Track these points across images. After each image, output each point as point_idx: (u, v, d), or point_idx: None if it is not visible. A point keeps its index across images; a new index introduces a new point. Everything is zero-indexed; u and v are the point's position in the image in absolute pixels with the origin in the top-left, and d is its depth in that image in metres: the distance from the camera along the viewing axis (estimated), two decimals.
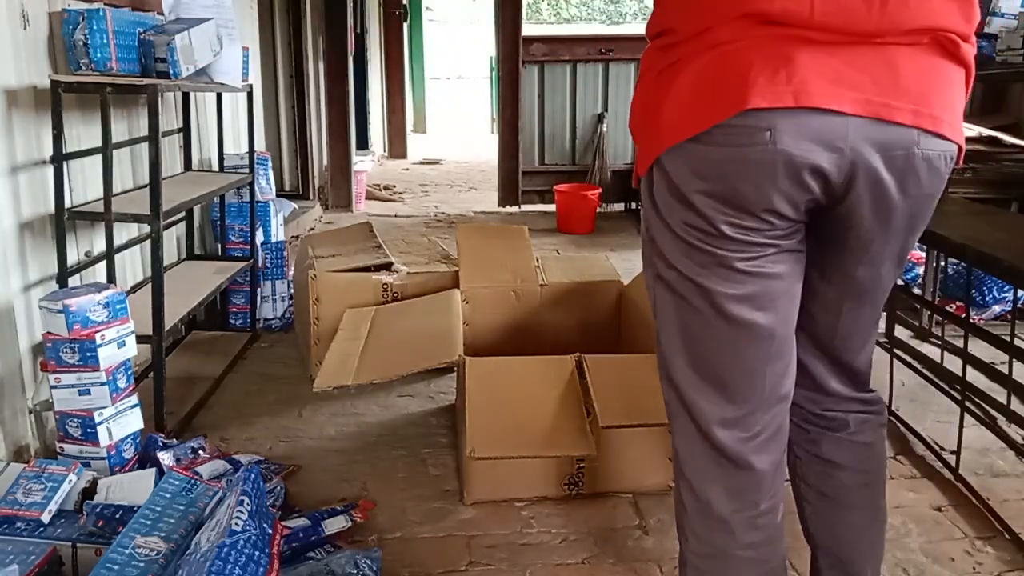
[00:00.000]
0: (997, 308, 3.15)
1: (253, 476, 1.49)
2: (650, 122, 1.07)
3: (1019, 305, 2.67)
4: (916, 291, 3.12)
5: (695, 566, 1.21)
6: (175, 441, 2.09)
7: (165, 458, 1.95)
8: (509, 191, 5.76)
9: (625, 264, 3.73)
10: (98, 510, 1.60)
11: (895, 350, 2.59)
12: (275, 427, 2.37)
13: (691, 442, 1.18)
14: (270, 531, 1.41)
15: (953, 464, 2.08)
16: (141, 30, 2.33)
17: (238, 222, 3.13)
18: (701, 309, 1.11)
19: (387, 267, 2.77)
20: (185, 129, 3.02)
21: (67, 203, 2.21)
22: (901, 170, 1.02)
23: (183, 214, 2.99)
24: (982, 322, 3.08)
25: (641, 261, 1.26)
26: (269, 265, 3.27)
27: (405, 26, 9.99)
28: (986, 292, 3.13)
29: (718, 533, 1.16)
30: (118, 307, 1.95)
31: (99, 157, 2.24)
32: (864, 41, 0.97)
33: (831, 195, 1.04)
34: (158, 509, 1.53)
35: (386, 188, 6.71)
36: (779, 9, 0.95)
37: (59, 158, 2.16)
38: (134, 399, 2.01)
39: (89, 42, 2.14)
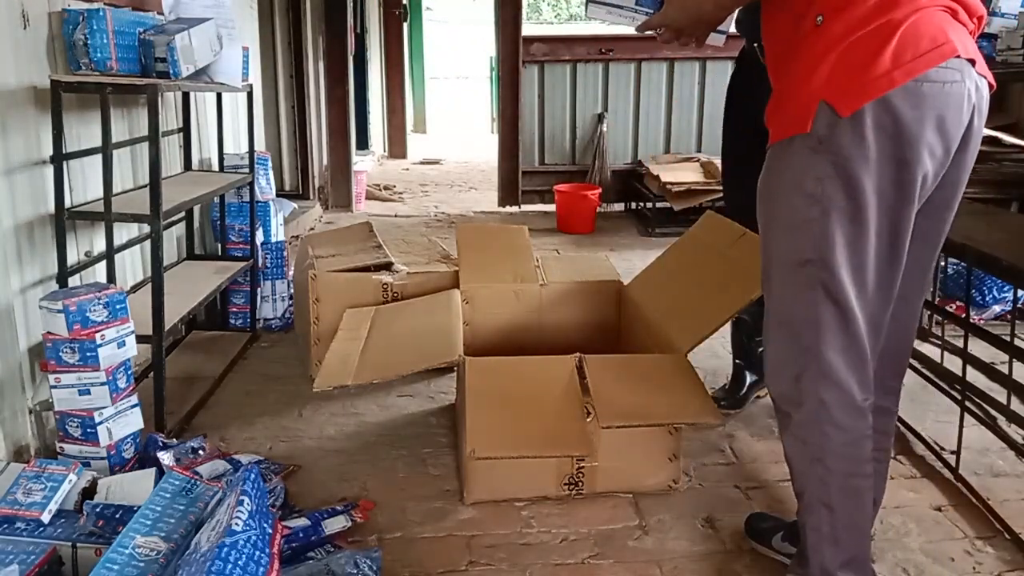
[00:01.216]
0: (997, 308, 3.15)
1: (253, 476, 1.49)
2: (862, 73, 1.26)
3: (1019, 305, 2.67)
4: None
5: (842, 455, 1.41)
6: (175, 441, 2.09)
7: (165, 458, 1.95)
8: (509, 191, 5.76)
9: (625, 264, 3.72)
10: (98, 510, 1.60)
11: None
12: (275, 427, 2.37)
13: (844, 351, 1.38)
14: (270, 531, 1.40)
15: (953, 464, 2.08)
16: (141, 30, 2.33)
17: (238, 222, 3.13)
18: (883, 241, 1.33)
19: (387, 267, 2.77)
20: (185, 129, 3.02)
21: (67, 203, 2.21)
22: (983, 110, 1.37)
23: (183, 214, 2.99)
24: (982, 322, 3.07)
25: (758, 220, 1.46)
26: (269, 265, 3.27)
27: (405, 26, 9.99)
28: (986, 292, 3.13)
29: (859, 419, 1.41)
30: (118, 307, 1.95)
31: (99, 157, 2.24)
32: (964, 23, 1.33)
33: (968, 130, 1.35)
34: (158, 509, 1.53)
35: (386, 188, 6.71)
36: None
37: (59, 158, 2.16)
38: (134, 399, 2.01)
39: (89, 42, 2.14)
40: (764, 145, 1.43)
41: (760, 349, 2.49)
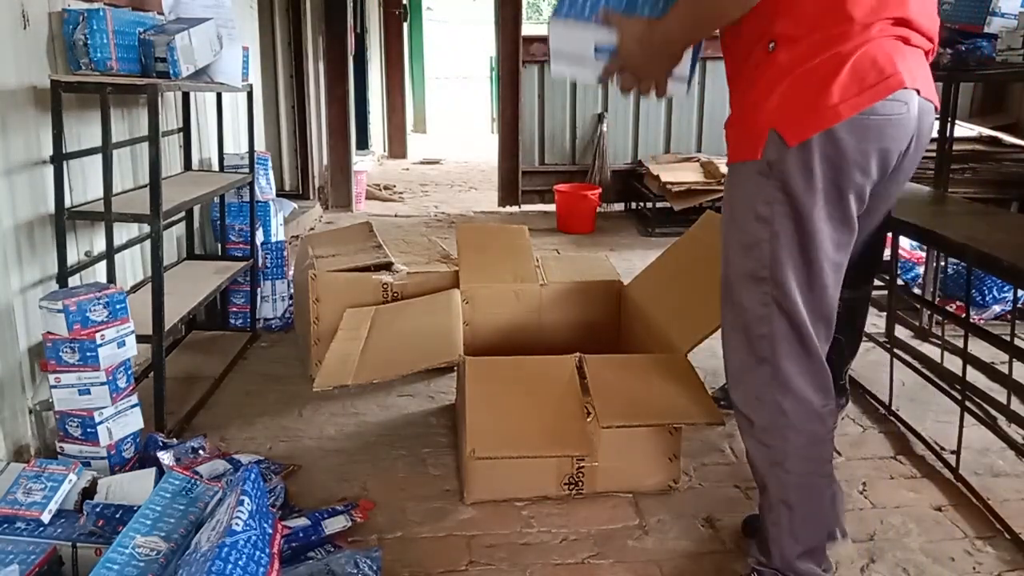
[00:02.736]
0: (997, 308, 3.15)
1: (253, 476, 1.49)
2: (810, 104, 1.29)
3: (1019, 305, 2.67)
4: (916, 291, 3.12)
5: (802, 457, 1.46)
6: (175, 441, 2.09)
7: (165, 458, 1.95)
8: (509, 191, 5.76)
9: (625, 264, 3.73)
10: (98, 510, 1.60)
11: (895, 350, 2.59)
12: (275, 427, 2.37)
13: (799, 361, 1.43)
14: (270, 531, 1.40)
15: (953, 464, 2.08)
16: (141, 30, 2.33)
17: (238, 222, 3.13)
18: (827, 261, 1.38)
19: (387, 267, 2.77)
20: (185, 129, 3.02)
21: (67, 203, 2.21)
22: (925, 134, 1.42)
23: (183, 214, 2.99)
24: (982, 322, 3.08)
25: (731, 241, 1.45)
26: (269, 265, 3.27)
27: (405, 26, 10.00)
28: (986, 292, 3.13)
29: (818, 424, 1.46)
30: (118, 307, 1.95)
31: (99, 157, 2.24)
32: (918, 46, 1.36)
33: (905, 152, 1.40)
34: (158, 509, 1.53)
35: (386, 188, 6.71)
36: (903, 16, 1.31)
37: (59, 158, 2.16)
38: (134, 399, 2.01)
39: (89, 42, 2.14)
40: None
41: None
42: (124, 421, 1.98)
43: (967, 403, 2.12)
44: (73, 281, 2.24)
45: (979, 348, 2.49)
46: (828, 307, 1.43)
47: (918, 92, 1.34)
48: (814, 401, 1.44)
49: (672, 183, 4.85)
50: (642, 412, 1.89)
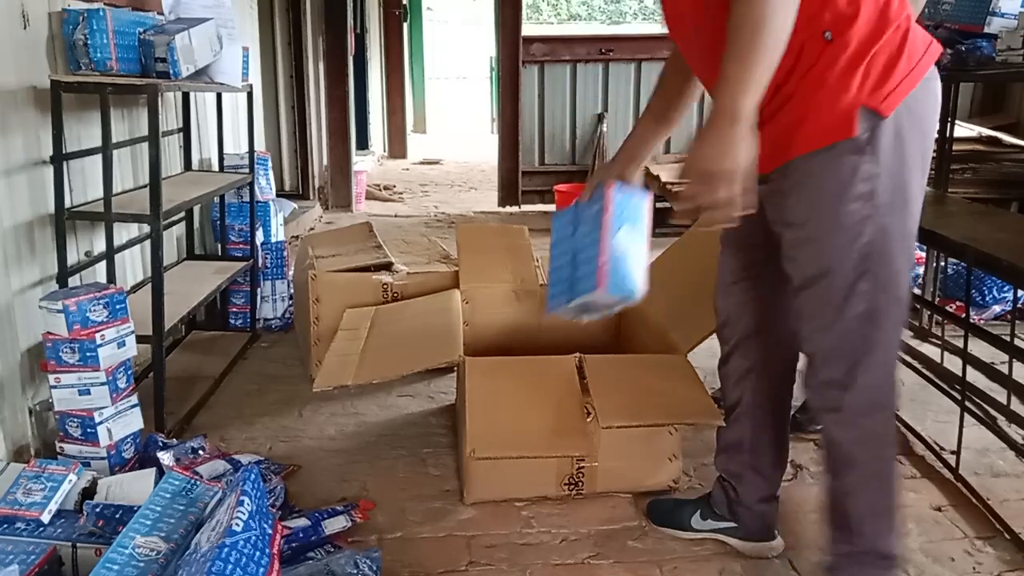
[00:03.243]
0: (997, 308, 3.15)
1: (253, 476, 1.49)
2: (894, 75, 1.32)
3: (1019, 305, 2.67)
4: (916, 291, 3.12)
5: (889, 433, 1.52)
6: (175, 441, 2.09)
7: (165, 458, 1.95)
8: (509, 191, 5.76)
9: None
10: (98, 510, 1.60)
11: None
12: (275, 427, 2.37)
13: (898, 332, 1.46)
14: (270, 531, 1.40)
15: (953, 464, 2.08)
16: (141, 30, 2.33)
17: (238, 222, 3.13)
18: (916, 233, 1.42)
19: (387, 267, 2.77)
20: (185, 129, 3.02)
21: (67, 203, 2.21)
22: None
23: (183, 214, 2.99)
24: (982, 322, 3.08)
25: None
26: (269, 265, 3.27)
27: (405, 26, 10.00)
28: (986, 292, 3.13)
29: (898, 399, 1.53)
30: (118, 307, 1.95)
31: (99, 157, 2.24)
32: None
33: None
34: (158, 509, 1.53)
35: (386, 188, 6.71)
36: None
37: (59, 158, 2.16)
38: (134, 399, 2.01)
39: (89, 42, 2.14)
40: None
41: None
42: (124, 421, 1.98)
43: (967, 403, 2.12)
44: (73, 281, 2.24)
45: (979, 348, 2.49)
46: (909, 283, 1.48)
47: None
48: (898, 376, 1.50)
49: (672, 183, 4.85)
50: (642, 412, 1.89)
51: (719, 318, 1.75)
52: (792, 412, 2.35)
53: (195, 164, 3.11)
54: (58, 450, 1.96)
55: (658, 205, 5.40)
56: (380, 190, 6.57)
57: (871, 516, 1.51)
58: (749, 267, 1.66)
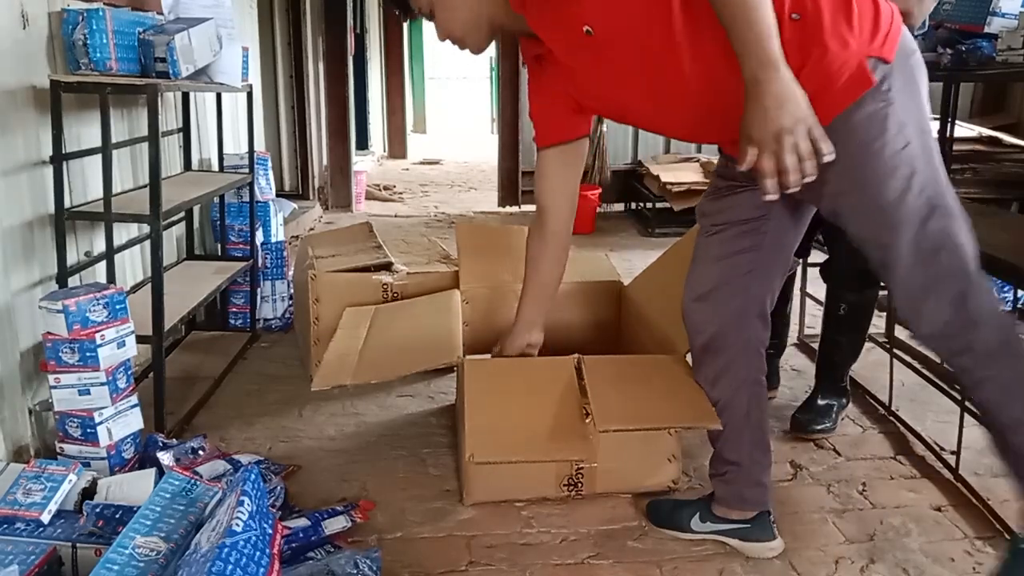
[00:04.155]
0: None
1: (253, 476, 1.49)
2: (877, 25, 1.35)
3: (1019, 305, 2.67)
4: None
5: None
6: (175, 441, 2.09)
7: (165, 458, 1.94)
8: (509, 191, 5.76)
9: (625, 264, 3.73)
10: (98, 510, 1.60)
11: (895, 350, 2.59)
12: (275, 427, 2.37)
13: (973, 244, 1.43)
14: (270, 531, 1.40)
15: (953, 464, 2.08)
16: (141, 30, 2.33)
17: (238, 222, 3.13)
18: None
19: (387, 267, 2.76)
20: (185, 129, 3.02)
21: (67, 203, 2.21)
22: None
23: (183, 214, 2.99)
24: None
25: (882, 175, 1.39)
26: (269, 265, 3.27)
27: (405, 26, 10.00)
28: None
29: None
30: (118, 307, 1.95)
31: (99, 157, 2.24)
32: None
33: None
34: (158, 509, 1.53)
35: (386, 188, 6.71)
36: None
37: (59, 158, 2.16)
38: (134, 399, 2.01)
39: (89, 42, 2.14)
40: None
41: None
42: (124, 421, 1.97)
43: (967, 403, 2.12)
44: (73, 281, 2.24)
45: None
46: None
47: None
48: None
49: (672, 183, 4.85)
50: (640, 415, 1.88)
51: (692, 331, 1.74)
52: (792, 412, 2.36)
53: (195, 164, 3.11)
54: (58, 450, 1.96)
55: (658, 205, 5.39)
56: (380, 190, 6.57)
57: None
58: (729, 271, 1.65)
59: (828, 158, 1.25)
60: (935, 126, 2.97)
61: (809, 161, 1.24)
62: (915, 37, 2.09)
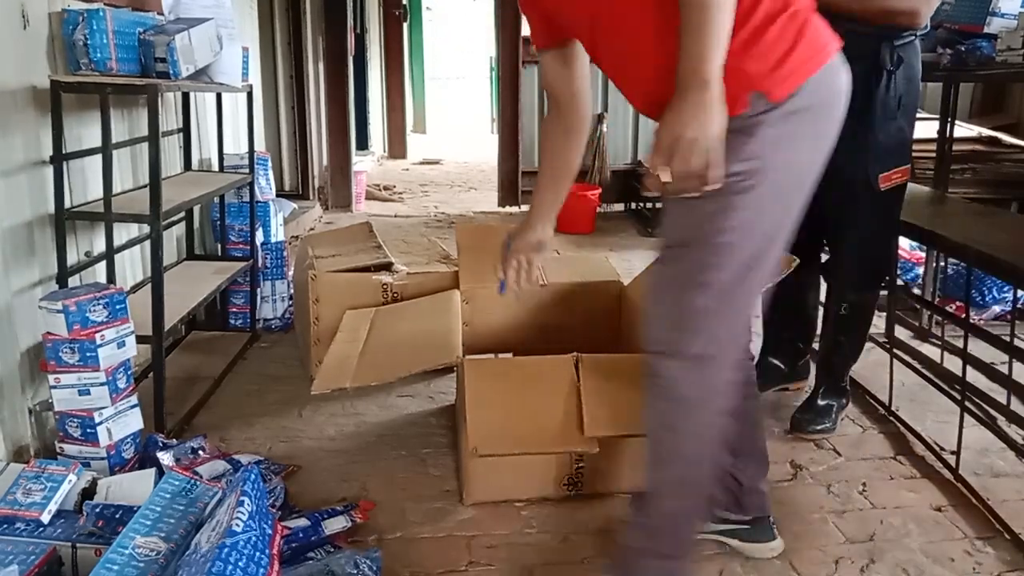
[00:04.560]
0: (997, 308, 3.15)
1: (253, 476, 1.49)
2: (784, 58, 1.30)
3: (1019, 305, 2.67)
4: (916, 291, 3.12)
5: None
6: (175, 441, 2.09)
7: (165, 458, 1.94)
8: (509, 191, 5.76)
9: (625, 264, 3.73)
10: (98, 510, 1.60)
11: (895, 350, 2.60)
12: (275, 427, 2.37)
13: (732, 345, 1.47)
14: (270, 532, 1.40)
15: (953, 464, 2.08)
16: (141, 30, 2.33)
17: (238, 222, 3.13)
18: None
19: (387, 267, 2.76)
20: (185, 129, 3.02)
21: (67, 203, 2.21)
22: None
23: (183, 214, 2.99)
24: (982, 322, 3.08)
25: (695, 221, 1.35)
26: (269, 265, 3.27)
27: (405, 26, 10.00)
28: (986, 292, 3.13)
29: None
30: (118, 307, 1.95)
31: (99, 157, 2.24)
32: None
33: None
34: (158, 509, 1.53)
35: (386, 188, 6.71)
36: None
37: (59, 158, 2.16)
38: (134, 399, 2.01)
39: (89, 42, 2.14)
40: None
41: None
42: (124, 421, 1.97)
43: (967, 403, 2.13)
44: (73, 281, 2.24)
45: (979, 348, 2.49)
46: None
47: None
48: None
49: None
50: (632, 420, 1.88)
51: None
52: (792, 412, 2.36)
53: (195, 164, 3.11)
54: (58, 450, 1.96)
55: (659, 205, 5.41)
56: (380, 190, 6.57)
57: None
58: None
59: (712, 187, 1.23)
60: (934, 126, 3.00)
61: (694, 180, 1.23)
62: (918, 37, 2.09)
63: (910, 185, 2.52)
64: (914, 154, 2.29)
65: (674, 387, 1.41)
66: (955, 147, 3.06)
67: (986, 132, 3.88)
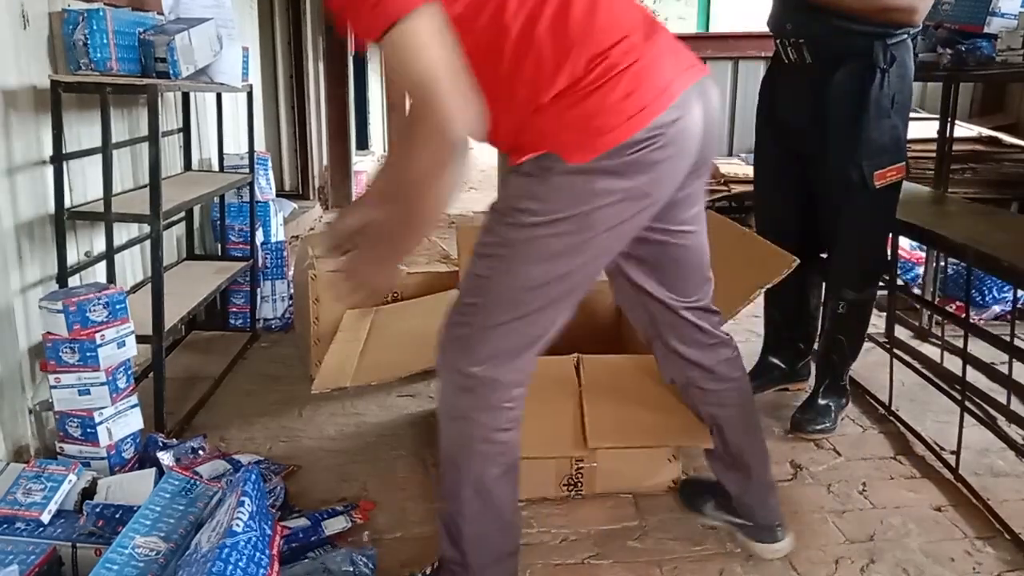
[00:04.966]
0: (997, 308, 3.15)
1: (253, 477, 1.49)
2: (593, 118, 1.25)
3: (1019, 305, 2.67)
4: (916, 291, 3.12)
5: None
6: (175, 441, 2.09)
7: (165, 458, 1.94)
8: None
9: None
10: (98, 510, 1.60)
11: (895, 350, 2.60)
12: (275, 427, 2.37)
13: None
14: (270, 532, 1.41)
15: (953, 464, 2.08)
16: (141, 30, 2.33)
17: (238, 222, 3.13)
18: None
19: None
20: (185, 129, 3.02)
21: (67, 203, 2.21)
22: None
23: (183, 214, 2.99)
24: (982, 322, 3.08)
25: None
26: (269, 265, 3.27)
27: None
28: (986, 292, 3.13)
29: None
30: (118, 307, 1.95)
31: (99, 157, 2.24)
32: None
33: None
34: (158, 509, 1.53)
35: None
36: None
37: (59, 158, 2.16)
38: (134, 399, 2.01)
39: (89, 42, 2.14)
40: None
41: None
42: (124, 421, 1.97)
43: (967, 403, 2.12)
44: (73, 281, 2.24)
45: (979, 348, 2.49)
46: None
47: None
48: None
49: None
50: (634, 429, 1.88)
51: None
52: (792, 412, 2.36)
53: (195, 164, 3.11)
54: (58, 450, 1.96)
55: None
56: None
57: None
58: (624, 300, 1.67)
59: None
60: (934, 126, 3.00)
61: (345, 274, 1.32)
62: (911, 36, 2.10)
63: (910, 185, 2.52)
64: (915, 154, 2.30)
65: (440, 392, 1.45)
66: (955, 147, 3.06)
67: (986, 132, 3.88)
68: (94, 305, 1.90)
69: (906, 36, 2.07)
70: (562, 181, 1.27)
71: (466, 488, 1.43)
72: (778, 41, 2.20)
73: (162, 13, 2.56)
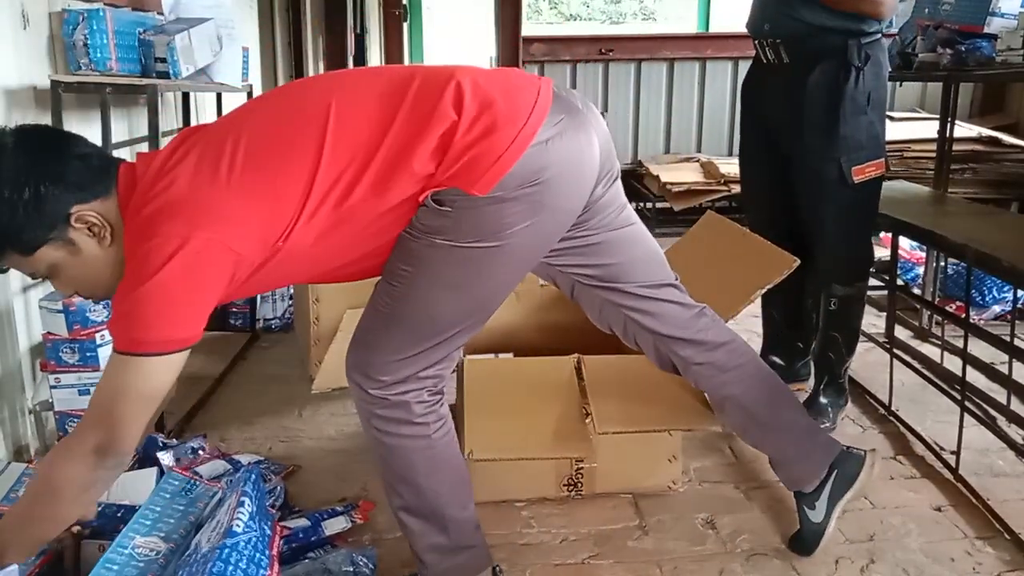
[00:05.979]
0: (997, 308, 3.15)
1: (254, 477, 1.49)
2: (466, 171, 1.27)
3: (1019, 305, 2.67)
4: (916, 291, 3.12)
5: None
6: (175, 441, 2.09)
7: (165, 458, 1.94)
8: None
9: None
10: (98, 509, 1.60)
11: (895, 350, 2.60)
12: (275, 427, 2.37)
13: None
14: (270, 532, 1.40)
15: (953, 464, 2.08)
16: (141, 30, 2.33)
17: None
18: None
19: None
20: None
21: None
22: None
23: None
24: (982, 322, 3.08)
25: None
26: None
27: (405, 26, 10.00)
28: (986, 292, 3.13)
29: None
30: None
31: None
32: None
33: None
34: (158, 509, 1.53)
35: None
36: None
37: None
38: None
39: (89, 42, 2.14)
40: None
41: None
42: None
43: (967, 403, 2.12)
44: None
45: (979, 348, 2.49)
46: None
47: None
48: None
49: (672, 183, 4.85)
50: (640, 417, 1.88)
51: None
52: None
53: None
54: None
55: (658, 205, 5.40)
56: None
57: None
58: (588, 304, 1.68)
59: None
60: (934, 126, 3.00)
61: None
62: (883, 34, 2.14)
63: (910, 185, 2.53)
64: (915, 154, 2.30)
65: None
66: (955, 147, 3.07)
67: (986, 132, 3.89)
68: (94, 305, 1.90)
69: (880, 35, 2.11)
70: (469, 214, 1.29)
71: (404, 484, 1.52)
72: (756, 42, 2.23)
73: (162, 13, 2.56)
